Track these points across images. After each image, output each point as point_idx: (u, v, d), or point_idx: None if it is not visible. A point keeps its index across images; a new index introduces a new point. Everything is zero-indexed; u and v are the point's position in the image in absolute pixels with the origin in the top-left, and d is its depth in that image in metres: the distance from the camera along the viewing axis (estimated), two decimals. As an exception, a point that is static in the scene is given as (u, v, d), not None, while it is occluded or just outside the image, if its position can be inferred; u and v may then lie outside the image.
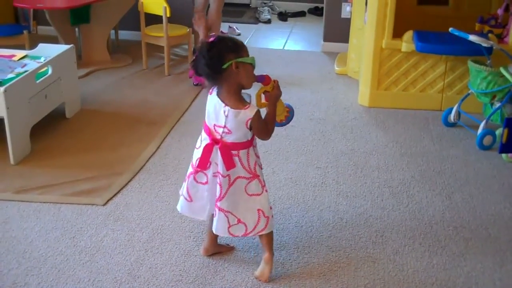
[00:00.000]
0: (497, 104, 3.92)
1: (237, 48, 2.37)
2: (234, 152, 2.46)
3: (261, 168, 2.58)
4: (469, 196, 3.37)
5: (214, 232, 2.61)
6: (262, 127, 2.46)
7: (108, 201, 3.24)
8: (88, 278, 2.62)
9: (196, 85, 5.02)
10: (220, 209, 2.53)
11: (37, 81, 3.82)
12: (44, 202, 3.21)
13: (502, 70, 3.79)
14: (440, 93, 4.54)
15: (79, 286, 2.56)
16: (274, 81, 2.48)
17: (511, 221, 3.13)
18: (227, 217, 2.53)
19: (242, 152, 2.47)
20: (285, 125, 2.63)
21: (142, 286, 2.57)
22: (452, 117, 4.21)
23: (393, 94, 4.58)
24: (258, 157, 2.56)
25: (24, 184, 3.39)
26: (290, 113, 2.60)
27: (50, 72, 3.98)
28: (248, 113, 2.39)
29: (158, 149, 3.87)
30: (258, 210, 2.54)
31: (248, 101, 2.45)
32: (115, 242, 2.89)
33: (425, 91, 4.56)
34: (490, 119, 3.95)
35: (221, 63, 2.32)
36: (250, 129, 2.44)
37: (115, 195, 3.30)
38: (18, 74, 3.77)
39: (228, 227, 2.55)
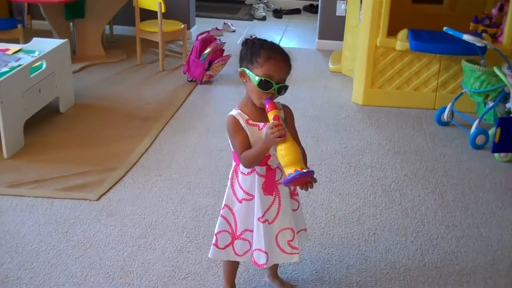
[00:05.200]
0: (490, 104, 3.94)
1: (251, 57, 2.08)
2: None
3: (240, 201, 2.23)
4: (461, 195, 3.38)
5: None
6: (231, 140, 2.15)
7: (101, 196, 3.24)
8: (81, 273, 2.62)
9: (191, 81, 5.02)
10: None
11: (31, 75, 3.81)
12: (37, 197, 3.20)
13: (495, 69, 3.80)
14: (433, 92, 4.55)
15: (72, 281, 2.56)
16: (273, 115, 2.02)
17: (502, 220, 3.14)
18: None
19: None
20: (284, 183, 2.05)
21: (134, 282, 2.57)
22: (445, 116, 4.23)
23: (387, 93, 4.59)
24: (239, 182, 2.22)
25: (17, 178, 3.38)
26: (295, 175, 1.98)
27: (44, 66, 3.97)
28: (229, 113, 2.16)
29: (152, 145, 3.87)
30: None
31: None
32: (108, 237, 2.88)
33: (419, 90, 4.57)
34: (483, 118, 3.96)
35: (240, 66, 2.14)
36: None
37: (108, 190, 3.30)
38: (12, 68, 3.76)
39: None
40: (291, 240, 2.27)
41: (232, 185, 2.25)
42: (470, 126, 4.00)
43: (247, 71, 2.09)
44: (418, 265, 2.75)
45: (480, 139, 3.92)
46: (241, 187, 2.22)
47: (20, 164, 3.56)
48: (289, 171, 1.98)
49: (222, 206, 2.28)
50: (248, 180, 2.20)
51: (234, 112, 2.15)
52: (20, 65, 3.78)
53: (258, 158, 2.09)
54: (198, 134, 4.05)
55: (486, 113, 3.96)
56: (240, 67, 2.13)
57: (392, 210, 3.21)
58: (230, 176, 2.25)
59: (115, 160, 3.62)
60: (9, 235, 2.87)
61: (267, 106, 2.05)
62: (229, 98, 4.64)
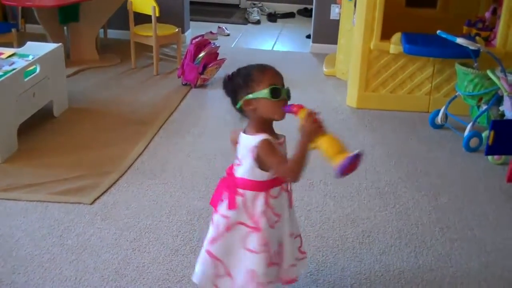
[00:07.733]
0: (484, 107, 3.95)
1: (247, 82, 2.03)
2: (240, 191, 2.09)
3: (272, 226, 2.12)
4: (455, 197, 3.39)
5: (193, 279, 2.24)
6: (269, 161, 2.02)
7: (95, 200, 3.23)
8: (75, 276, 2.61)
9: (185, 84, 5.02)
10: (209, 253, 2.16)
11: (25, 80, 3.81)
12: (31, 201, 3.19)
13: (489, 73, 3.82)
14: (427, 95, 4.57)
15: (66, 285, 2.56)
16: (306, 111, 1.97)
17: (496, 222, 3.15)
18: (215, 264, 2.16)
19: (249, 194, 2.08)
20: (338, 174, 1.98)
21: (129, 285, 2.57)
22: (439, 119, 4.24)
23: (381, 96, 4.60)
24: (272, 208, 2.11)
25: (11, 182, 3.37)
26: (346, 160, 1.96)
27: (38, 70, 3.96)
28: (253, 140, 2.01)
29: (146, 149, 3.86)
30: (249, 270, 2.10)
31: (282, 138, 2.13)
32: (102, 241, 2.88)
33: (412, 93, 4.58)
34: (476, 121, 3.97)
35: (235, 103, 2.08)
36: (258, 162, 2.04)
37: (102, 194, 3.29)
38: (5, 72, 3.75)
39: (215, 277, 2.18)
40: (300, 246, 2.32)
41: (265, 213, 2.09)
42: (464, 129, 4.01)
43: (251, 95, 2.02)
44: (412, 267, 2.76)
45: (473, 142, 3.93)
46: (273, 212, 2.12)
47: (14, 168, 3.55)
48: (340, 159, 1.95)
49: (263, 243, 2.10)
50: (277, 201, 2.13)
51: (262, 136, 2.01)
52: (14, 69, 3.77)
53: (304, 159, 1.99)
54: (192, 138, 4.05)
55: (480, 116, 3.97)
56: (238, 101, 2.06)
57: (387, 212, 3.21)
58: (262, 209, 2.08)
59: (110, 164, 3.61)
60: (3, 239, 2.86)
61: (293, 109, 1.99)
62: (223, 101, 4.61)
